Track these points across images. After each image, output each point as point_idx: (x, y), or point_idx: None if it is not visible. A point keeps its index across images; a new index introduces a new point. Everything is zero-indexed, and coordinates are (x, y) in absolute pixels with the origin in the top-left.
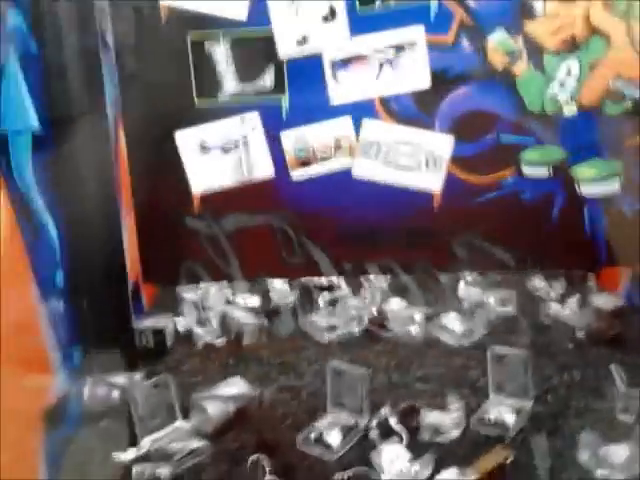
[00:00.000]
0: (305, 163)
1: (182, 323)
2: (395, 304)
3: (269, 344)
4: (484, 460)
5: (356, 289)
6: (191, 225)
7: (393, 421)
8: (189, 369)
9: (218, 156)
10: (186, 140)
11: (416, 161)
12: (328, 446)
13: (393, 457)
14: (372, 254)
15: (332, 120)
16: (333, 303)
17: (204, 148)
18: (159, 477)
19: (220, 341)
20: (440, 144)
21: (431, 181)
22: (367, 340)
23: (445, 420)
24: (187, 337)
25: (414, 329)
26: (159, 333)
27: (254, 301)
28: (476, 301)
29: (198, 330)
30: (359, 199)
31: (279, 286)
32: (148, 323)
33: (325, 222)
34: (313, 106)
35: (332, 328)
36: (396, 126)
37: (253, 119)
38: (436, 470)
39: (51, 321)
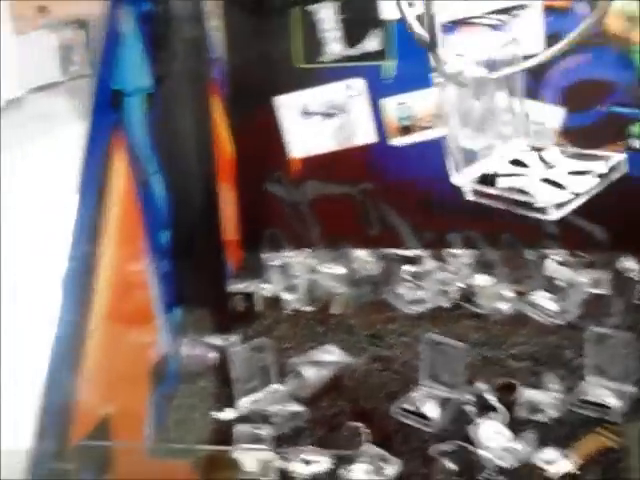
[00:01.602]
0: (406, 131)
1: (269, 289)
2: (481, 280)
3: (357, 313)
4: (585, 443)
5: (441, 263)
6: (281, 191)
7: (490, 396)
8: (278, 335)
9: (319, 122)
10: (288, 105)
11: (520, 131)
12: (425, 417)
13: (492, 433)
14: (459, 226)
15: (435, 89)
16: (418, 276)
17: (306, 113)
18: (260, 437)
19: (308, 308)
20: (547, 114)
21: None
22: (455, 315)
23: (544, 399)
24: (274, 303)
25: (504, 305)
26: (248, 298)
27: (339, 270)
28: (567, 280)
29: (286, 296)
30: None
31: (363, 256)
32: (238, 287)
33: (414, 192)
34: (419, 72)
35: (419, 301)
36: (504, 94)
37: (357, 85)
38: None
39: (156, 280)
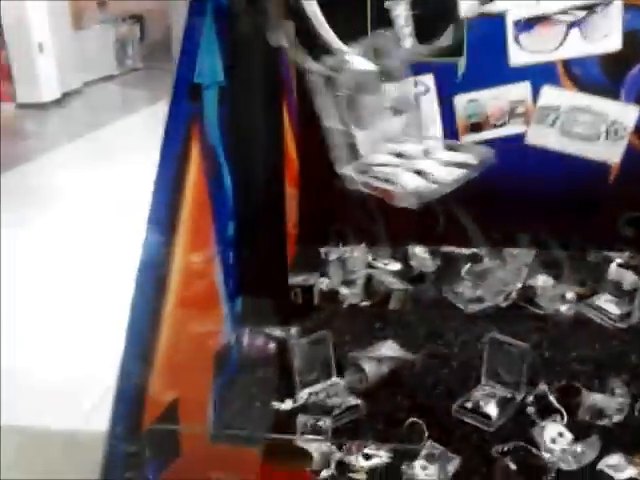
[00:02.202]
0: (476, 128)
1: (327, 283)
2: (542, 280)
3: (414, 310)
4: None
5: (501, 262)
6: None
7: (552, 398)
8: (336, 328)
9: (387, 116)
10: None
11: (596, 131)
12: (486, 416)
13: (555, 435)
14: (526, 225)
15: (509, 85)
16: (478, 274)
17: None
18: (320, 428)
19: (365, 303)
20: (624, 114)
21: (609, 152)
22: (514, 315)
23: (609, 403)
24: (332, 297)
25: (565, 307)
26: (308, 290)
27: (395, 266)
28: (631, 284)
29: (344, 290)
30: (526, 167)
31: (420, 253)
32: (297, 280)
33: (480, 189)
34: (490, 70)
35: (478, 300)
36: (578, 94)
37: (427, 81)
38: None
39: (221, 270)
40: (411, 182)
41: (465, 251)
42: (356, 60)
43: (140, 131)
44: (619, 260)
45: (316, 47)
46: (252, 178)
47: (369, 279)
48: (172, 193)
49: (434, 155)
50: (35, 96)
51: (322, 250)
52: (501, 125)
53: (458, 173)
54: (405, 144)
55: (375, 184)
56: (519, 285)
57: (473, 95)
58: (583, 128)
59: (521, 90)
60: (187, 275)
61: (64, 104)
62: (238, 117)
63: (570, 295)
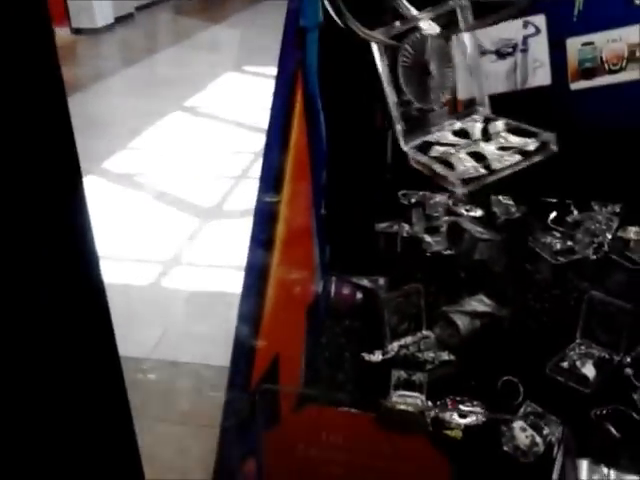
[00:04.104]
0: (588, 74)
1: (408, 230)
2: (634, 232)
3: (500, 260)
4: None
5: (589, 212)
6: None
7: None
8: (421, 278)
9: (492, 60)
10: (461, 42)
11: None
12: (583, 377)
13: None
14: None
15: (629, 27)
16: (565, 224)
17: (480, 51)
18: (414, 383)
19: (449, 252)
20: None
21: None
22: (605, 268)
23: None
24: (415, 244)
25: None
26: (391, 238)
27: (477, 213)
28: None
29: (427, 238)
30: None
31: (503, 200)
32: (381, 227)
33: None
34: (609, 11)
35: (567, 251)
36: None
37: (538, 22)
38: None
39: (315, 220)
40: (462, 166)
41: (551, 199)
42: (426, 25)
43: (190, 60)
44: None
45: (383, 13)
46: (345, 125)
47: (453, 226)
48: (281, 147)
49: (495, 136)
50: (89, 21)
51: (400, 194)
52: (617, 71)
53: (515, 160)
54: (467, 122)
55: (432, 165)
56: (609, 237)
57: (588, 37)
58: None
59: None
60: (287, 227)
61: (117, 29)
62: (335, 62)
63: None
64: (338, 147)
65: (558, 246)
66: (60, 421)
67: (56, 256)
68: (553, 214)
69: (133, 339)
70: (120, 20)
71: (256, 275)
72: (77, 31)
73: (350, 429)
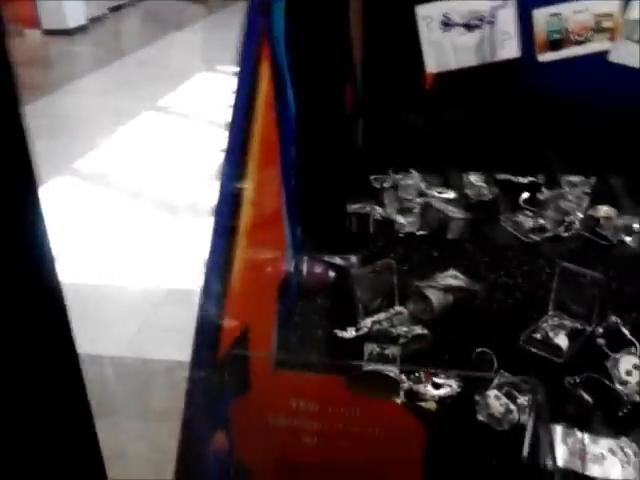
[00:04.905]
0: (555, 45)
1: (381, 212)
2: (604, 211)
3: (473, 239)
4: None
5: (560, 191)
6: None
7: (625, 330)
8: (394, 257)
9: (461, 33)
10: (427, 14)
11: None
12: (556, 347)
13: (630, 368)
14: (593, 152)
15: None
16: (536, 203)
17: (446, 24)
18: (387, 356)
19: (422, 232)
20: None
21: None
22: (577, 246)
23: None
24: (388, 226)
25: (630, 239)
26: (363, 219)
27: (450, 195)
28: None
29: (400, 219)
30: (604, 89)
31: (476, 182)
32: (353, 208)
33: (556, 114)
34: None
35: (538, 229)
36: None
37: None
38: None
39: (284, 198)
40: None
41: (522, 179)
42: None
43: (160, 60)
44: None
45: None
46: (315, 100)
47: (425, 207)
48: (246, 118)
49: None
50: (60, 23)
51: (373, 178)
52: (583, 42)
53: None
54: None
55: None
56: (580, 215)
57: (555, 8)
58: None
59: (608, 3)
60: (255, 205)
61: (90, 30)
62: (303, 34)
63: (636, 225)
64: (307, 124)
65: (530, 224)
66: (14, 421)
67: (4, 255)
68: (524, 194)
69: (108, 337)
70: (93, 21)
71: (220, 254)
72: (48, 32)
73: (322, 395)
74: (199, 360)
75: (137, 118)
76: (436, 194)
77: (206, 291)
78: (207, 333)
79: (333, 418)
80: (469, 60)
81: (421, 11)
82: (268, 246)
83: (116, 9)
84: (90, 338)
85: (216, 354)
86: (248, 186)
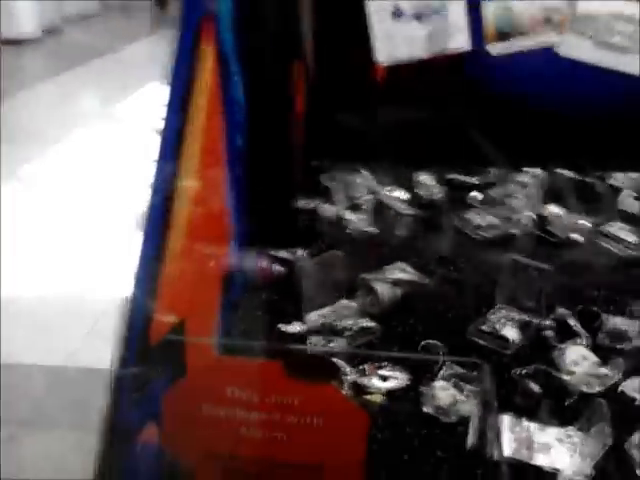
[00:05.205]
0: (505, 37)
1: (330, 209)
2: (553, 208)
3: (423, 236)
4: None
5: (510, 189)
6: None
7: (572, 322)
8: (343, 253)
9: (411, 23)
10: (378, 4)
11: (636, 42)
12: (504, 340)
13: (577, 358)
14: (542, 148)
15: None
16: (486, 201)
17: (396, 14)
18: (332, 350)
19: (372, 229)
20: None
21: None
22: (525, 242)
23: (629, 326)
24: (337, 223)
25: (578, 235)
26: (310, 215)
27: (400, 194)
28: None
29: (350, 216)
30: (554, 82)
31: (426, 181)
32: (301, 204)
33: (507, 107)
34: None
35: (488, 227)
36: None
37: None
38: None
39: (230, 189)
40: None
41: (473, 179)
42: None
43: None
44: (630, 190)
45: None
46: (262, 91)
47: (375, 204)
48: (186, 99)
49: None
50: (13, 32)
51: (324, 176)
52: (532, 35)
53: None
54: None
55: None
56: (530, 213)
57: (505, 1)
58: (622, 39)
59: None
60: (197, 194)
61: (44, 41)
62: (250, 22)
63: (583, 223)
64: (255, 114)
65: (479, 222)
66: None
67: None
68: (474, 193)
69: (51, 347)
70: (48, 32)
71: (152, 246)
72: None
73: (260, 382)
74: (126, 352)
75: (87, 127)
76: (386, 192)
77: (137, 282)
78: (136, 323)
79: (271, 407)
80: (419, 52)
81: (371, 0)
82: (210, 239)
83: (71, 20)
84: (32, 348)
85: (146, 345)
86: (186, 177)
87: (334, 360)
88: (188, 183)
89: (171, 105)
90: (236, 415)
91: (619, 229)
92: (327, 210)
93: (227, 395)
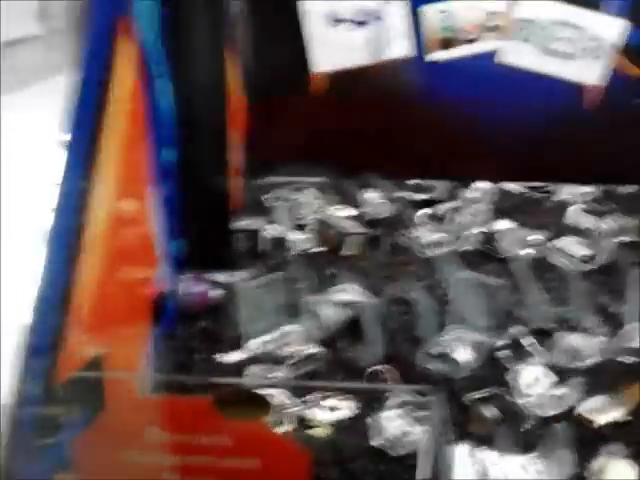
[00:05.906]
0: (447, 44)
1: (273, 229)
2: (502, 224)
3: (370, 256)
4: (632, 390)
5: (458, 205)
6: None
7: (526, 341)
8: (286, 275)
9: (349, 30)
10: (313, 10)
11: (576, 48)
12: (455, 363)
13: (533, 380)
14: (487, 160)
15: None
16: (433, 218)
17: (334, 20)
18: (273, 381)
19: (317, 249)
20: (608, 29)
21: (589, 73)
22: (474, 259)
23: (585, 344)
24: (279, 244)
25: (528, 251)
26: (251, 235)
27: (347, 212)
28: (591, 227)
29: (293, 236)
30: (495, 90)
31: (373, 199)
32: (241, 224)
33: (450, 116)
34: None
35: (436, 244)
36: (560, 4)
37: None
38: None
39: (158, 207)
40: None
41: (421, 196)
42: None
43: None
44: (578, 205)
45: None
46: (194, 98)
47: (321, 224)
48: (99, 98)
49: None
50: None
51: (266, 196)
52: (473, 40)
53: None
54: None
55: None
56: (478, 229)
57: (446, 6)
58: (563, 45)
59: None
60: (117, 214)
61: None
62: (179, 21)
63: (532, 238)
64: (188, 125)
65: (427, 239)
66: None
67: None
68: (423, 210)
69: None
70: None
71: (59, 272)
72: None
73: (186, 421)
74: (28, 389)
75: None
76: (332, 211)
77: (39, 310)
78: (39, 357)
79: (199, 449)
80: (359, 59)
81: (305, 6)
82: (137, 262)
83: (10, 44)
84: None
85: (53, 382)
86: (101, 193)
87: (274, 392)
88: (104, 200)
89: (80, 110)
90: (159, 460)
91: (568, 243)
92: (270, 230)
93: (149, 437)
